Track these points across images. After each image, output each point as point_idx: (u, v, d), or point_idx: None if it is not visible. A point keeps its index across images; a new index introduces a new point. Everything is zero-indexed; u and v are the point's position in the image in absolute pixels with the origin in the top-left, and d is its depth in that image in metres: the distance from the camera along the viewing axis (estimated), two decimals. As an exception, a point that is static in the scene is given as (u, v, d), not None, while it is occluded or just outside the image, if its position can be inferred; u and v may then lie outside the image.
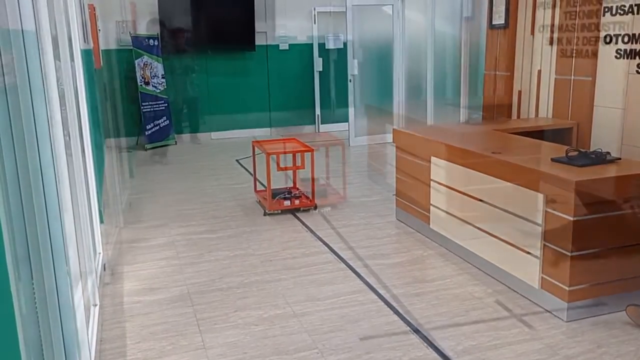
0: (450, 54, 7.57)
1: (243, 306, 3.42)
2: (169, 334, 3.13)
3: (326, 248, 4.35)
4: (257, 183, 5.88)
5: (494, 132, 4.69)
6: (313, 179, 5.34)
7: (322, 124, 9.97)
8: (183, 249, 4.37)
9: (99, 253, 3.83)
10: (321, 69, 9.72)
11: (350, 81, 8.58)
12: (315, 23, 9.63)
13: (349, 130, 8.69)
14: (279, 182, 5.75)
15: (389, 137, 6.40)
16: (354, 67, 8.55)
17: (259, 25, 9.28)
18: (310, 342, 3.00)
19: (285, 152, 5.45)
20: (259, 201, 5.48)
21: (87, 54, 5.54)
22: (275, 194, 5.31)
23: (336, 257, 4.15)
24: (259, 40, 9.34)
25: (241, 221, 5.03)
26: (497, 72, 6.03)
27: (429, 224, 4.47)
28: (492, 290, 3.57)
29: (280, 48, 9.59)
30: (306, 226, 4.87)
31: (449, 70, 7.61)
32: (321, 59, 9.69)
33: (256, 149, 5.74)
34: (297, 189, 5.62)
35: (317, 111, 9.91)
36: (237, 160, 7.58)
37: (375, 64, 8.99)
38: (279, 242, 4.53)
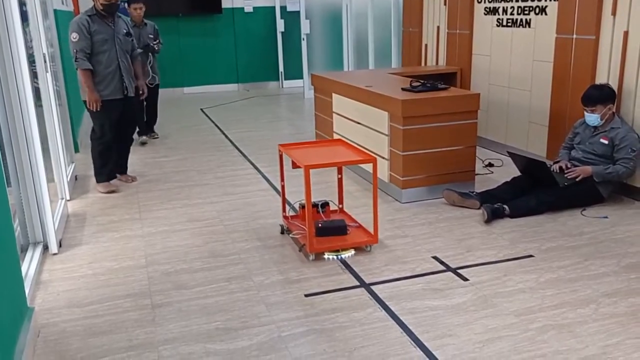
0: (388, 15, 8.70)
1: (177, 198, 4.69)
2: (118, 210, 4.40)
3: (254, 170, 5.60)
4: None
5: (385, 75, 5.87)
6: (376, 200, 3.57)
7: (285, 79, 11.14)
8: (142, 168, 5.63)
9: (73, 163, 5.10)
10: (283, 30, 10.81)
11: (303, 39, 9.72)
12: (277, -13, 10.70)
13: (303, 84, 9.89)
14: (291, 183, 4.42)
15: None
16: (306, 27, 9.67)
17: (225, -10, 10.39)
18: (215, 214, 4.28)
19: (331, 164, 3.62)
20: (287, 229, 3.86)
21: (66, 15, 6.74)
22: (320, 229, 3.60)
23: (258, 173, 5.41)
24: (225, 4, 10.44)
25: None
26: (410, 29, 7.19)
27: (333, 147, 5.70)
28: (363, 188, 4.83)
29: (245, 11, 10.69)
30: (242, 152, 6.09)
31: (386, 29, 8.75)
32: (283, 20, 10.78)
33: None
34: (345, 212, 4.01)
35: (281, 68, 11.05)
36: (201, 109, 8.80)
37: (327, 24, 10.12)
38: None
